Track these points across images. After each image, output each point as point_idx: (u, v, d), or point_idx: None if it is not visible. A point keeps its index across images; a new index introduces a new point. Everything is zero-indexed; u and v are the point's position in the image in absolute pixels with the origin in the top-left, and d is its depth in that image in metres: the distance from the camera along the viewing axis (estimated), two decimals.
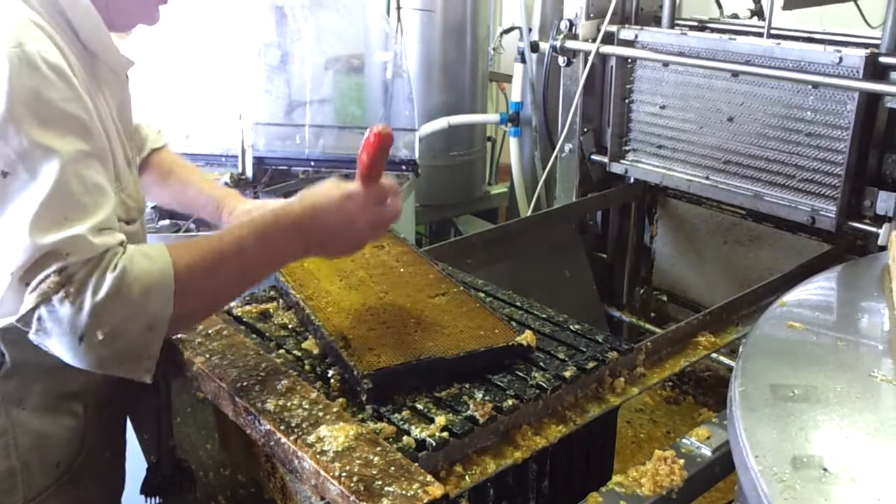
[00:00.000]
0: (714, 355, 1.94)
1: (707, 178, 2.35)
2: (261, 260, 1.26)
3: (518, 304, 1.64)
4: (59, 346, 1.11)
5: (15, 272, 1.09)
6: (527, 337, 1.40)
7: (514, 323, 1.51)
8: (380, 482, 1.06)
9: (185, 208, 1.80)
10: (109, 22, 1.32)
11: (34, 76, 1.11)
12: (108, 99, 1.35)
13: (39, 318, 1.09)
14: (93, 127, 1.19)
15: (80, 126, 1.16)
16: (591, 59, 2.47)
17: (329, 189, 1.30)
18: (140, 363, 1.17)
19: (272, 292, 1.68)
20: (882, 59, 1.90)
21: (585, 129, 2.61)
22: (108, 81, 1.36)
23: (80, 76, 1.23)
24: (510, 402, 1.28)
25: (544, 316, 1.58)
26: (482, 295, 1.67)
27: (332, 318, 1.45)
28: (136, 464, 1.61)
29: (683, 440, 1.36)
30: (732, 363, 1.27)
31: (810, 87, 2.03)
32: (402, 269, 1.66)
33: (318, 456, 1.11)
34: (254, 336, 1.51)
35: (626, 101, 2.51)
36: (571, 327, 1.54)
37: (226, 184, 2.67)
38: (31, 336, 1.11)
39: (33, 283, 1.08)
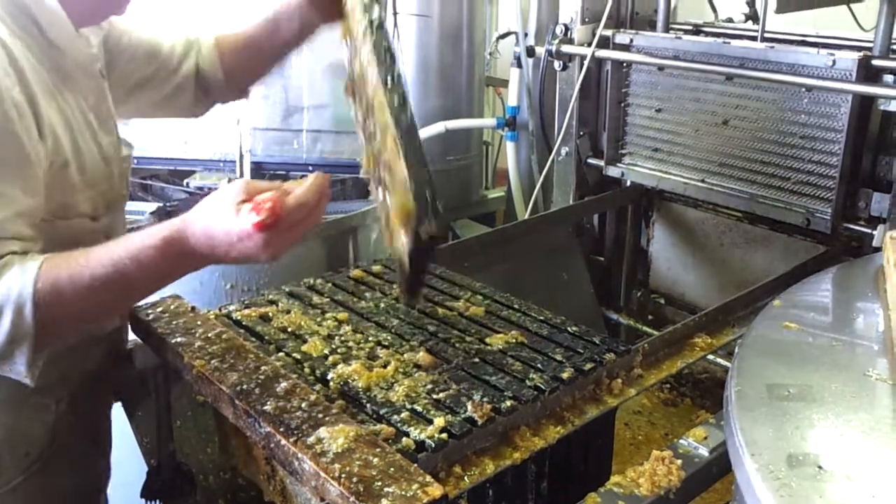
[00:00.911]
0: (711, 357, 1.95)
1: (703, 180, 2.36)
2: (137, 279, 1.21)
3: (516, 306, 1.65)
4: None
5: None
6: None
7: (511, 324, 1.52)
8: (379, 483, 1.07)
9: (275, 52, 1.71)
10: (79, 16, 1.33)
11: None
12: (79, 95, 1.37)
13: None
14: (6, 130, 1.18)
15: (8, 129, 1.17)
16: (586, 63, 2.49)
17: (228, 221, 1.16)
18: (11, 368, 1.19)
19: (271, 296, 1.68)
20: (875, 62, 1.92)
21: (582, 133, 2.62)
22: (77, 77, 1.37)
23: (38, 74, 1.25)
24: (508, 403, 1.29)
25: (542, 318, 1.59)
26: (480, 297, 1.67)
27: None
28: (136, 467, 1.61)
29: (681, 441, 1.37)
30: (729, 364, 1.28)
31: (804, 90, 2.04)
32: None
33: (317, 457, 1.12)
34: (253, 339, 1.52)
35: (622, 104, 2.52)
36: (569, 329, 1.55)
37: None
38: None
39: None
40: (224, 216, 1.15)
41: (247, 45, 1.68)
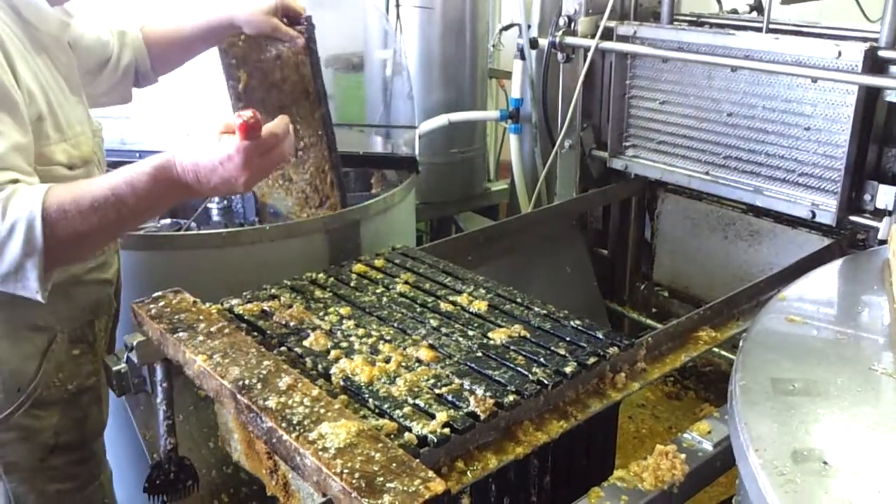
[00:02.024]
0: (715, 350, 1.95)
1: (707, 173, 2.35)
2: (133, 203, 1.35)
3: (518, 300, 1.64)
4: None
5: None
6: None
7: (513, 319, 1.51)
8: (381, 478, 1.06)
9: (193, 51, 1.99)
10: None
11: None
12: (50, 62, 1.53)
13: None
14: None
15: None
16: (590, 55, 2.47)
17: (213, 147, 1.34)
18: (24, 283, 1.33)
19: (273, 290, 1.68)
20: (881, 53, 1.90)
21: (585, 125, 2.61)
22: (50, 47, 1.54)
23: (12, 39, 1.41)
24: (511, 397, 1.29)
25: (545, 312, 1.59)
26: (483, 291, 1.66)
27: None
28: (138, 463, 1.61)
29: (685, 435, 1.37)
30: (734, 358, 1.27)
31: (809, 81, 2.03)
32: None
33: (319, 453, 1.11)
34: (255, 334, 1.51)
35: (626, 96, 2.51)
36: (572, 323, 1.54)
37: None
38: None
39: None
40: (207, 145, 1.33)
41: (178, 42, 1.94)
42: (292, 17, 1.97)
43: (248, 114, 1.30)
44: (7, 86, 1.36)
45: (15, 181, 1.32)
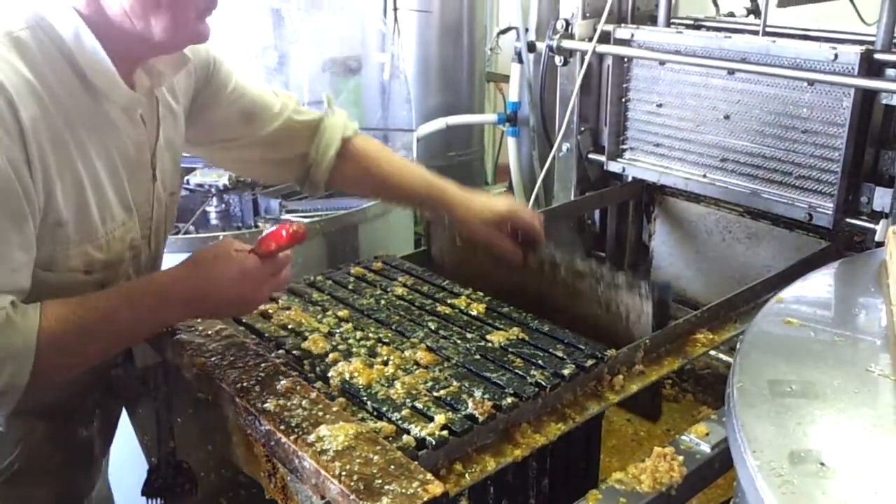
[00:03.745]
0: (713, 352, 1.95)
1: (704, 175, 2.35)
2: (133, 327, 1.30)
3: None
4: None
5: None
6: None
7: (512, 321, 1.51)
8: (380, 481, 1.06)
9: (392, 202, 1.82)
10: (153, 45, 1.26)
11: None
12: (111, 143, 1.31)
13: None
14: (3, 188, 1.15)
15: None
16: (587, 58, 2.48)
17: (227, 263, 1.29)
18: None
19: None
20: (877, 56, 1.91)
21: (583, 129, 2.62)
22: (115, 121, 1.32)
23: (50, 121, 1.19)
24: (509, 400, 1.29)
25: (545, 329, 1.56)
26: (482, 307, 1.63)
27: None
28: (136, 465, 1.61)
29: (682, 437, 1.37)
30: (731, 360, 1.27)
31: (806, 84, 2.03)
32: None
33: (318, 455, 1.12)
34: (253, 336, 1.51)
35: (623, 99, 2.51)
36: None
37: (225, 185, 2.67)
38: None
39: None
40: (224, 261, 1.28)
41: (379, 182, 1.72)
42: (525, 237, 1.71)
43: (297, 222, 1.30)
44: (19, 197, 1.16)
45: (11, 304, 1.17)
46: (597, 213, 2.76)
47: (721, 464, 1.33)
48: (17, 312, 1.17)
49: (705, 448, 1.33)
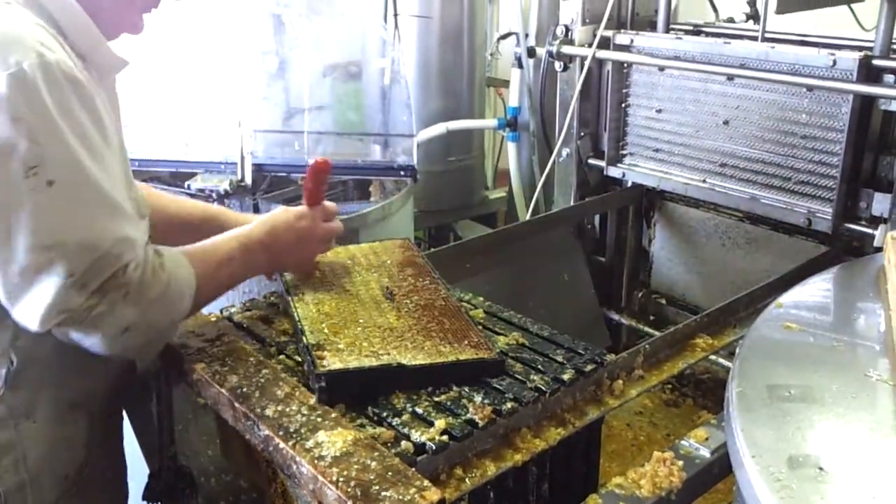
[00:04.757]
0: (713, 357, 1.95)
1: (704, 181, 2.36)
2: (240, 273, 1.45)
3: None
4: (101, 339, 1.20)
5: (66, 275, 1.13)
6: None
7: (512, 325, 1.51)
8: (377, 487, 1.06)
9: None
10: (102, 19, 1.30)
11: (62, 89, 1.13)
12: (104, 101, 1.34)
13: (96, 315, 1.17)
14: (110, 133, 1.23)
15: (104, 135, 1.21)
16: (587, 63, 2.49)
17: (283, 213, 1.53)
18: (154, 351, 1.38)
19: (272, 298, 1.68)
20: (875, 62, 1.92)
21: (582, 134, 2.62)
22: (100, 84, 1.34)
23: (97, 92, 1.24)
24: (509, 405, 1.29)
25: (545, 334, 1.56)
26: (481, 313, 1.62)
27: (314, 319, 1.46)
28: (137, 471, 1.61)
29: (682, 442, 1.37)
30: (731, 365, 1.28)
31: (805, 89, 2.04)
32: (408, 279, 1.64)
33: (315, 461, 1.12)
34: (254, 342, 1.52)
35: (623, 105, 2.52)
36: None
37: (226, 190, 2.68)
38: (73, 329, 1.18)
39: (93, 285, 1.15)
40: (280, 213, 1.52)
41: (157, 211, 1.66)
42: None
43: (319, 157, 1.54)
44: (115, 138, 1.26)
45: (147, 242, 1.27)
46: (597, 218, 2.76)
47: (720, 468, 1.33)
48: (170, 253, 1.29)
49: (705, 453, 1.33)
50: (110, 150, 1.23)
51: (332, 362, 1.30)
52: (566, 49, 2.53)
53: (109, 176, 1.20)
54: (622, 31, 2.47)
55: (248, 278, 1.52)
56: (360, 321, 1.44)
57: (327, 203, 1.58)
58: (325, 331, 1.41)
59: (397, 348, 1.36)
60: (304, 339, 1.38)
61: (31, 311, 1.15)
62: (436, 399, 1.31)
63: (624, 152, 2.57)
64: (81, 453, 1.40)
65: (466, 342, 1.39)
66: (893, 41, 1.96)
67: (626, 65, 2.47)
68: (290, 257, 1.55)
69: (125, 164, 1.34)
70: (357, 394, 1.30)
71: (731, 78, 2.20)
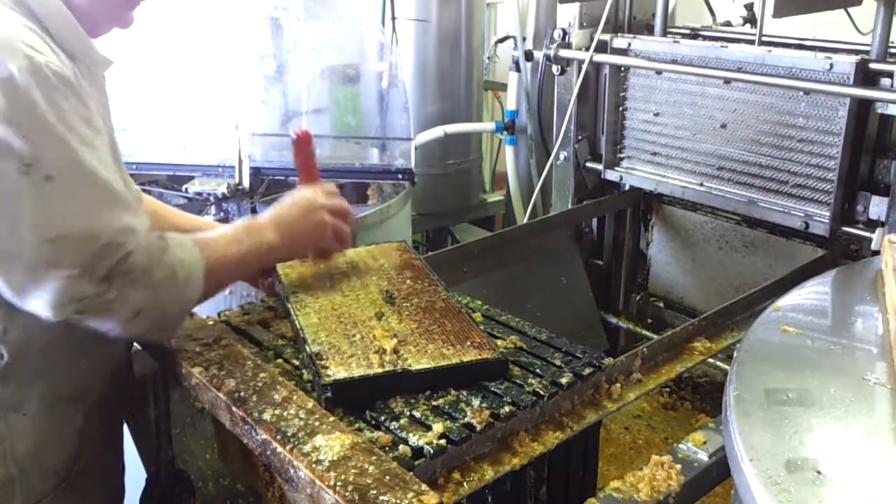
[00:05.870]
0: (710, 360, 1.95)
1: (701, 184, 2.36)
2: (252, 253, 1.44)
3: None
4: (115, 324, 1.23)
5: (73, 266, 1.15)
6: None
7: (510, 329, 1.51)
8: (374, 491, 1.06)
9: None
10: (82, 27, 1.32)
11: (53, 88, 1.15)
12: (96, 100, 1.35)
13: (107, 301, 1.19)
14: (101, 130, 1.25)
15: (95, 130, 1.22)
16: (584, 67, 2.49)
17: (283, 197, 1.56)
18: (170, 331, 1.41)
19: (271, 302, 1.68)
20: (872, 66, 1.92)
21: (580, 137, 2.63)
22: (92, 84, 1.36)
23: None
24: (507, 408, 1.29)
25: (543, 338, 1.56)
26: (479, 316, 1.62)
27: (316, 326, 1.46)
28: (135, 474, 1.61)
29: (680, 445, 1.37)
30: (729, 368, 1.28)
31: (802, 93, 2.05)
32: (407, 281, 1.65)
33: (313, 465, 1.11)
34: (252, 346, 1.51)
35: (620, 108, 2.52)
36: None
37: (223, 194, 2.67)
38: (87, 317, 1.20)
39: (100, 272, 1.17)
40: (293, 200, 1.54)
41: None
42: None
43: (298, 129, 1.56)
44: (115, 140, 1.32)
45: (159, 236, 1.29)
46: (594, 222, 2.77)
47: (718, 472, 1.33)
48: (176, 239, 1.30)
49: (703, 456, 1.33)
50: (103, 144, 1.24)
51: (336, 371, 1.30)
52: (563, 52, 2.53)
53: (105, 168, 1.21)
54: (619, 34, 2.47)
55: (263, 261, 1.52)
56: (362, 326, 1.44)
57: (326, 184, 1.60)
58: (328, 338, 1.41)
59: (401, 353, 1.36)
60: (307, 348, 1.38)
61: (44, 303, 1.17)
62: (434, 403, 1.31)
63: (621, 156, 2.58)
64: (74, 448, 1.40)
65: (469, 343, 1.39)
66: (890, 45, 1.97)
67: (623, 68, 2.48)
68: (301, 231, 1.53)
69: (119, 164, 1.35)
70: (364, 400, 1.30)
71: (728, 81, 2.20)
